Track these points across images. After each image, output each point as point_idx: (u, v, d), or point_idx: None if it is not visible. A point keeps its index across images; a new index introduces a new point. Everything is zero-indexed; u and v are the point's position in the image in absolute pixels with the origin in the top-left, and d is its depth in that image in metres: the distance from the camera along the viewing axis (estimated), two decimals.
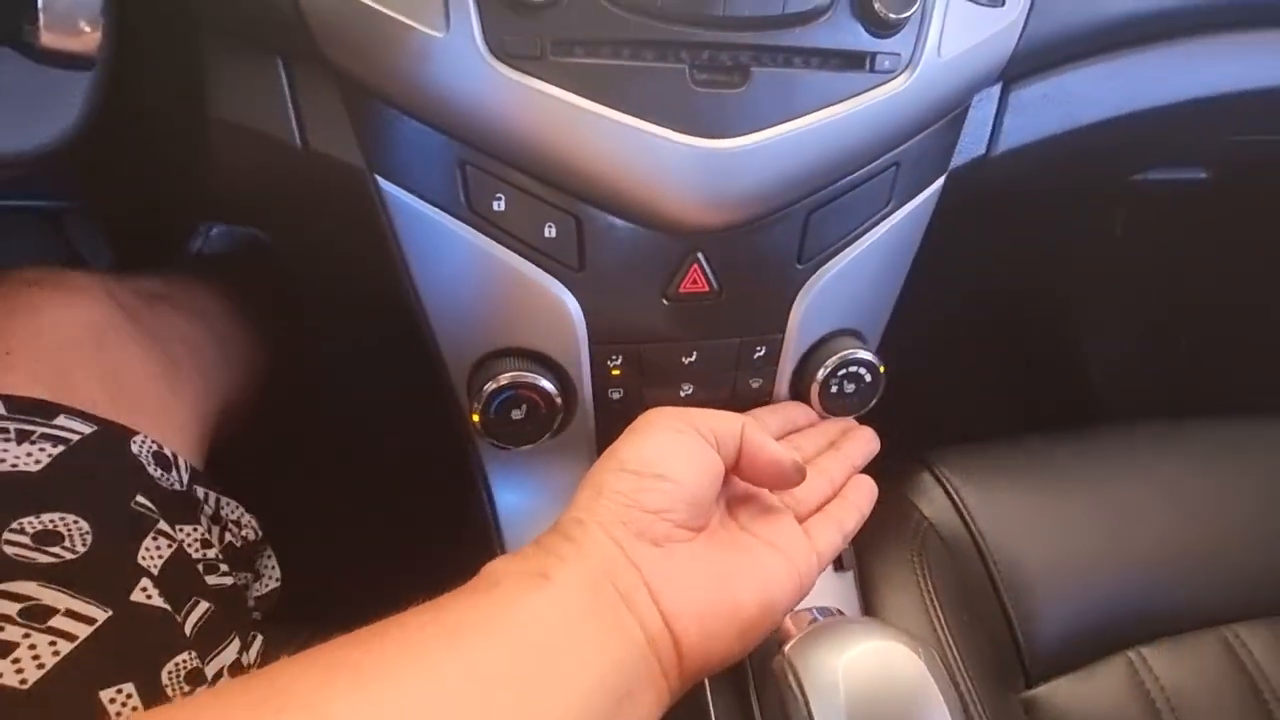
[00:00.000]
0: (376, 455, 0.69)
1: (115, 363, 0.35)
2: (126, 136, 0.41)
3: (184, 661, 0.29)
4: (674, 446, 0.28)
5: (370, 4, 0.26)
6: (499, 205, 0.32)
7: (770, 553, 0.29)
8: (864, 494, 0.35)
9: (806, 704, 0.19)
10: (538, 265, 0.33)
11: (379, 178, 0.31)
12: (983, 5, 0.33)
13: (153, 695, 0.28)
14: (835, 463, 0.35)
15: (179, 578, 0.31)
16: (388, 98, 0.29)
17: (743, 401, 0.39)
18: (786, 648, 0.22)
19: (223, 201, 0.38)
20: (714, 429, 0.29)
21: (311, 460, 0.67)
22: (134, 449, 0.33)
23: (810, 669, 0.20)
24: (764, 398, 0.39)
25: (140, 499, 0.31)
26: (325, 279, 0.63)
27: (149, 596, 0.29)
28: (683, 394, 0.37)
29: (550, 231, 0.32)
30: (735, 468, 0.30)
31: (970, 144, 0.38)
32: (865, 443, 0.38)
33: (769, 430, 0.35)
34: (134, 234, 0.72)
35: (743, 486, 0.32)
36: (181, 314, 0.44)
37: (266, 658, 0.37)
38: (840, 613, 0.24)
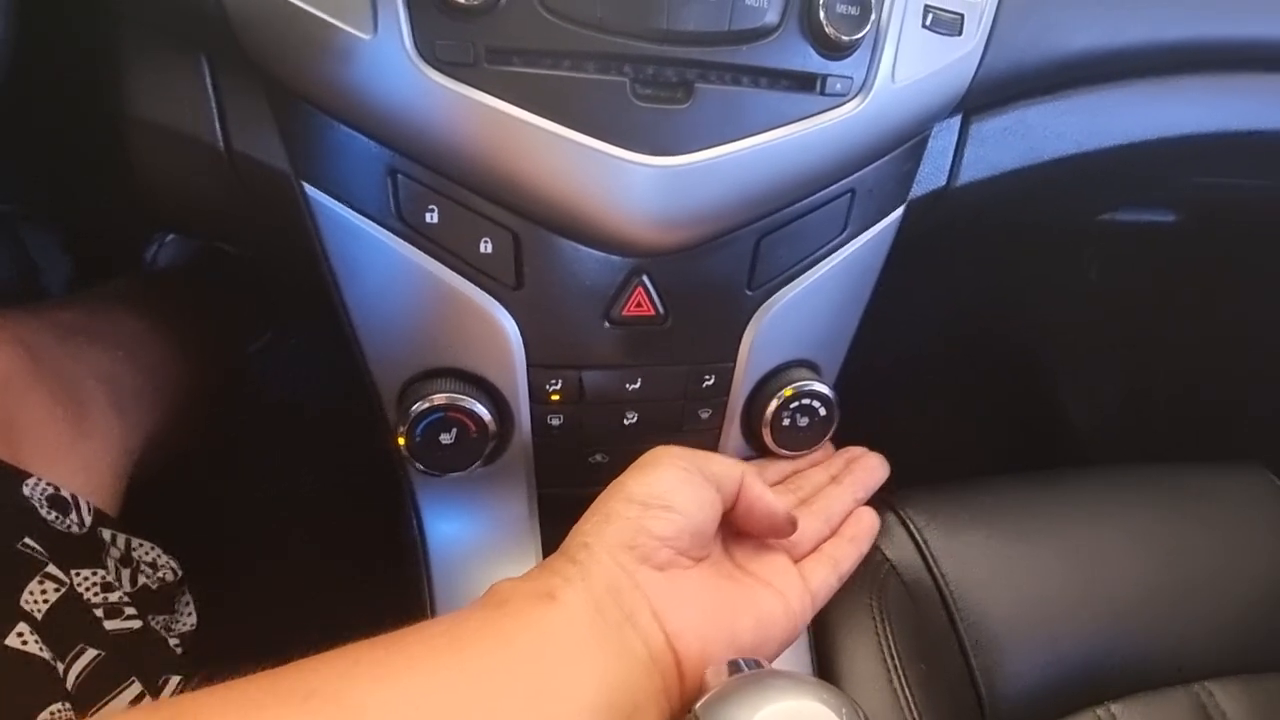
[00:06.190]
0: (315, 477, 0.66)
1: (13, 407, 0.35)
2: (58, 134, 0.39)
3: (58, 711, 0.28)
4: (679, 482, 0.29)
5: (294, 1, 0.25)
6: (432, 217, 0.30)
7: (766, 591, 0.30)
8: (864, 529, 0.35)
9: None
10: (473, 282, 0.31)
11: (305, 184, 0.29)
12: (940, 33, 0.32)
13: None
14: (834, 500, 0.36)
15: (66, 623, 0.30)
16: (314, 100, 0.28)
17: (690, 433, 0.37)
18: (697, 705, 0.19)
19: (154, 207, 0.36)
20: (715, 473, 0.30)
21: (248, 480, 0.64)
22: (26, 491, 0.32)
23: None
24: (713, 429, 0.37)
25: (28, 541, 0.31)
26: (276, 289, 0.61)
27: (25, 642, 0.28)
28: (626, 422, 0.36)
29: (486, 247, 0.31)
30: (732, 512, 0.31)
31: (930, 174, 0.37)
32: (870, 473, 0.38)
33: (768, 475, 0.36)
34: (91, 240, 0.70)
35: (739, 526, 0.32)
36: (100, 347, 0.43)
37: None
38: (762, 664, 0.22)
